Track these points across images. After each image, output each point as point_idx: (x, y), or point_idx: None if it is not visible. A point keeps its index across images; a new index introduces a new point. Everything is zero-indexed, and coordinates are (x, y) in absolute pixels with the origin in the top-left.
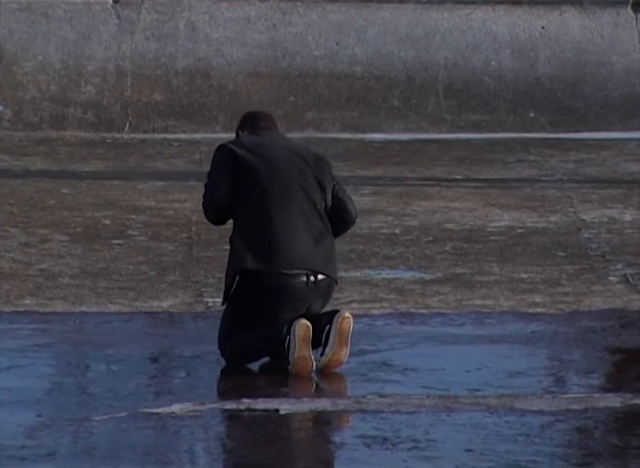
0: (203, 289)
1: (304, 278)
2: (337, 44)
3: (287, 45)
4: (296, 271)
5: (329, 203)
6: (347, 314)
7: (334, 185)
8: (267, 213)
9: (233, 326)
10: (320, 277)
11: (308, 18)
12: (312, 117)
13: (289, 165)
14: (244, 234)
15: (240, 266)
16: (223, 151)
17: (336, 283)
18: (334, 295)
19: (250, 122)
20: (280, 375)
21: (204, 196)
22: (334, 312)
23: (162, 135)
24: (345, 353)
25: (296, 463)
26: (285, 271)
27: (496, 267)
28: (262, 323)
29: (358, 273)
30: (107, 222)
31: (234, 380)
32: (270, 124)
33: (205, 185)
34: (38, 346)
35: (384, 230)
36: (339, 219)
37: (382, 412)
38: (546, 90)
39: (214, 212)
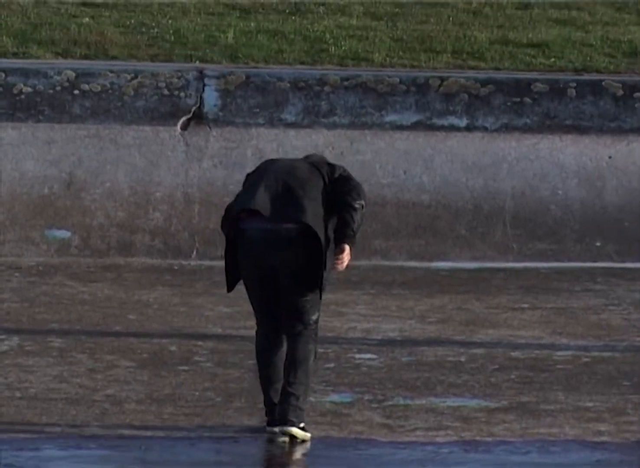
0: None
1: (268, 226)
2: (405, 172)
3: (354, 173)
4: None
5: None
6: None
7: (334, 173)
8: (247, 195)
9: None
10: (284, 225)
11: (375, 146)
12: (379, 245)
13: (288, 168)
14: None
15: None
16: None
17: (315, 236)
18: (399, 423)
19: None
20: None
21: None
22: (281, 421)
23: None
24: None
25: None
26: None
27: (562, 395)
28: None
29: (423, 401)
30: (174, 348)
31: None
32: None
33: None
34: None
35: (450, 358)
36: (339, 188)
37: None
38: (613, 220)
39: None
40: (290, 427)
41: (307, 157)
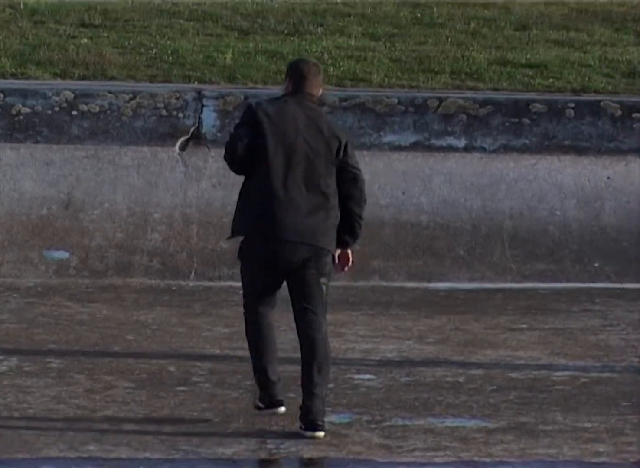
0: (267, 436)
1: (291, 246)
2: (403, 193)
3: None
4: (287, 239)
5: (335, 174)
6: (318, 436)
7: (344, 158)
8: (270, 186)
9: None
10: (305, 245)
11: (374, 166)
12: (378, 266)
13: (300, 141)
14: (248, 200)
15: (240, 233)
16: (250, 112)
17: (328, 252)
18: (398, 443)
19: (296, 80)
20: None
21: (226, 146)
22: (310, 427)
23: (227, 283)
24: None
25: None
26: (277, 240)
27: (560, 416)
28: (249, 283)
29: (422, 421)
30: (172, 368)
31: None
32: (312, 89)
33: (230, 136)
34: None
35: (449, 378)
36: (348, 188)
37: None
38: (611, 241)
39: (235, 161)
40: (321, 431)
41: (312, 109)
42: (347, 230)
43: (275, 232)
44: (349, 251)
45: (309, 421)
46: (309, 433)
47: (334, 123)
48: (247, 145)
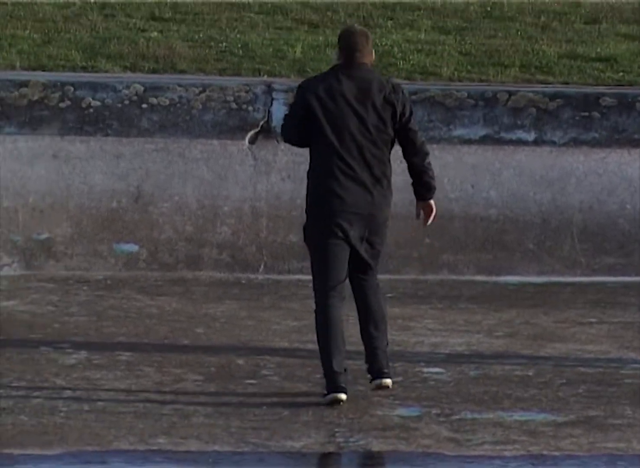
0: (336, 429)
1: (354, 219)
2: (473, 186)
3: None
4: (350, 212)
5: (394, 136)
6: (386, 383)
7: (403, 118)
8: (328, 164)
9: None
10: (367, 217)
11: (444, 160)
12: (447, 259)
13: (352, 116)
14: (312, 183)
15: (308, 217)
16: (300, 93)
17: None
18: (467, 437)
19: (347, 52)
20: None
21: (281, 127)
22: (377, 375)
23: (296, 277)
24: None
25: None
26: (340, 215)
27: (629, 409)
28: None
29: (491, 415)
30: (241, 362)
31: None
32: (363, 59)
33: (284, 117)
34: None
35: (518, 372)
36: (407, 148)
37: None
38: None
39: (290, 142)
40: (388, 378)
41: (364, 79)
42: (420, 184)
43: (337, 209)
44: (431, 202)
45: (375, 371)
46: (377, 382)
47: (388, 86)
48: (299, 126)
